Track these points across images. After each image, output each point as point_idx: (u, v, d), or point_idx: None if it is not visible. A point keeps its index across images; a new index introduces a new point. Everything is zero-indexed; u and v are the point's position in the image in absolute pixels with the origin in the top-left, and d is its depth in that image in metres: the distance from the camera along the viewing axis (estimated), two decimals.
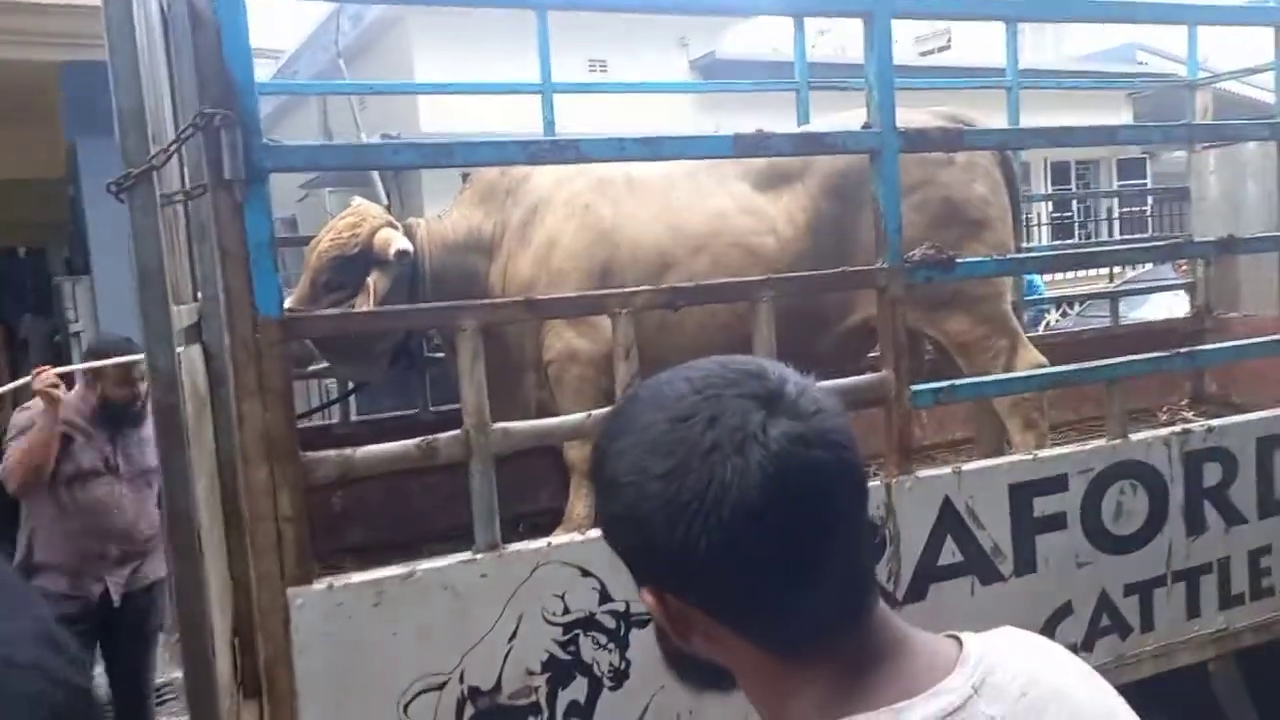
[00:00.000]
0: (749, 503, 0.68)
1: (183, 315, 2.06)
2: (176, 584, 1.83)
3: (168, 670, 4.26)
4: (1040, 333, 5.30)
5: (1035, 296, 7.34)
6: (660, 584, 0.74)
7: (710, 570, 0.69)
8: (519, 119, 4.63)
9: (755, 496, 0.68)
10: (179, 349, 1.93)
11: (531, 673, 1.81)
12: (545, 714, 1.81)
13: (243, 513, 1.75)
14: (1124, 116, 12.98)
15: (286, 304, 2.19)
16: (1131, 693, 0.86)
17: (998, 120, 4.20)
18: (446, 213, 3.41)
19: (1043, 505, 2.31)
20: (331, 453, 1.80)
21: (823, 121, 3.43)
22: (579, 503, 3.14)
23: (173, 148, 1.86)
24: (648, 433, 0.72)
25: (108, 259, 4.80)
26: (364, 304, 3.01)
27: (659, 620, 0.75)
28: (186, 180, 2.08)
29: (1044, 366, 3.11)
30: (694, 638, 0.75)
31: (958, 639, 0.78)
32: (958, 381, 2.54)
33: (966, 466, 2.29)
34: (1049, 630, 2.28)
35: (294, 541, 1.70)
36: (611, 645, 1.86)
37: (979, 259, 2.84)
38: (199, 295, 2.15)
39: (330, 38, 10.20)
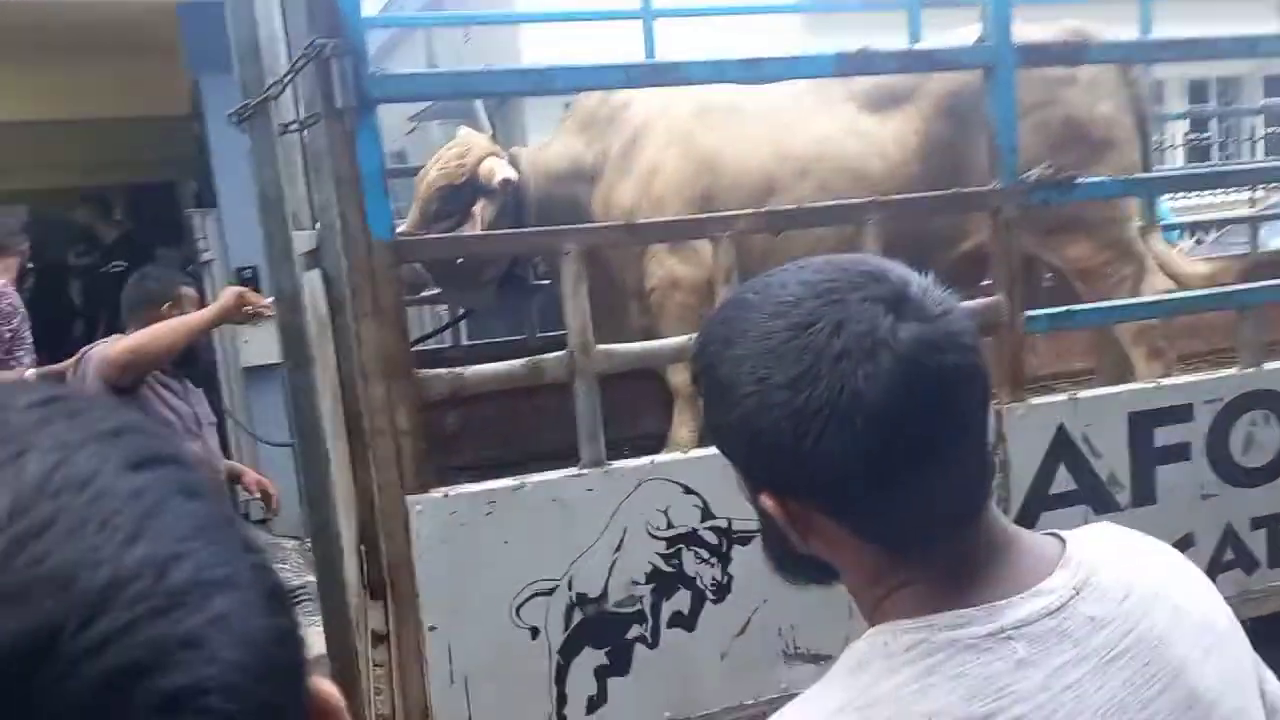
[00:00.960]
0: (881, 409, 0.67)
1: (302, 241, 2.16)
2: (307, 494, 1.95)
3: (302, 574, 4.58)
4: None
5: (1162, 223, 6.89)
6: (782, 489, 0.74)
7: (839, 476, 0.69)
8: (619, 53, 4.56)
9: (887, 402, 0.67)
10: (300, 273, 2.02)
11: (636, 583, 1.87)
12: (650, 623, 1.88)
13: (364, 427, 1.85)
14: (1276, 27, 11.93)
15: (398, 230, 2.26)
16: (1255, 627, 0.83)
17: (1129, 36, 3.93)
18: (549, 142, 3.43)
19: (1165, 435, 2.22)
20: (444, 370, 1.88)
21: (935, 39, 3.28)
22: (683, 427, 3.18)
23: (287, 78, 1.93)
24: (769, 340, 0.71)
25: (233, 192, 5.02)
26: (471, 231, 3.08)
27: (780, 524, 0.75)
28: (301, 111, 2.16)
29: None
30: (812, 539, 0.76)
31: (1061, 539, 0.77)
32: (1075, 307, 2.44)
33: (1082, 394, 2.22)
34: None
35: (411, 453, 1.78)
36: (714, 560, 1.90)
37: (1099, 179, 2.69)
38: (317, 223, 2.24)
39: None
